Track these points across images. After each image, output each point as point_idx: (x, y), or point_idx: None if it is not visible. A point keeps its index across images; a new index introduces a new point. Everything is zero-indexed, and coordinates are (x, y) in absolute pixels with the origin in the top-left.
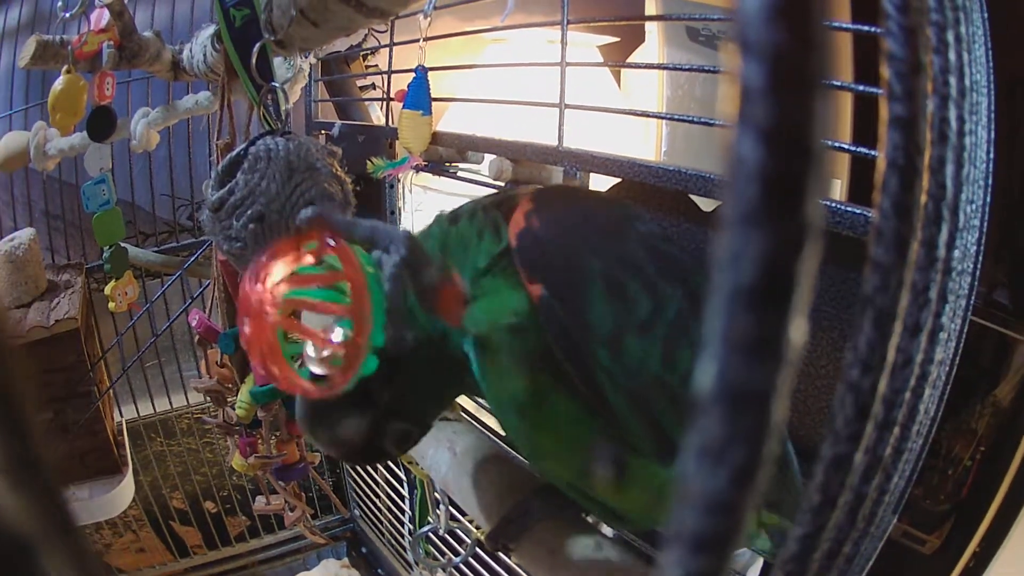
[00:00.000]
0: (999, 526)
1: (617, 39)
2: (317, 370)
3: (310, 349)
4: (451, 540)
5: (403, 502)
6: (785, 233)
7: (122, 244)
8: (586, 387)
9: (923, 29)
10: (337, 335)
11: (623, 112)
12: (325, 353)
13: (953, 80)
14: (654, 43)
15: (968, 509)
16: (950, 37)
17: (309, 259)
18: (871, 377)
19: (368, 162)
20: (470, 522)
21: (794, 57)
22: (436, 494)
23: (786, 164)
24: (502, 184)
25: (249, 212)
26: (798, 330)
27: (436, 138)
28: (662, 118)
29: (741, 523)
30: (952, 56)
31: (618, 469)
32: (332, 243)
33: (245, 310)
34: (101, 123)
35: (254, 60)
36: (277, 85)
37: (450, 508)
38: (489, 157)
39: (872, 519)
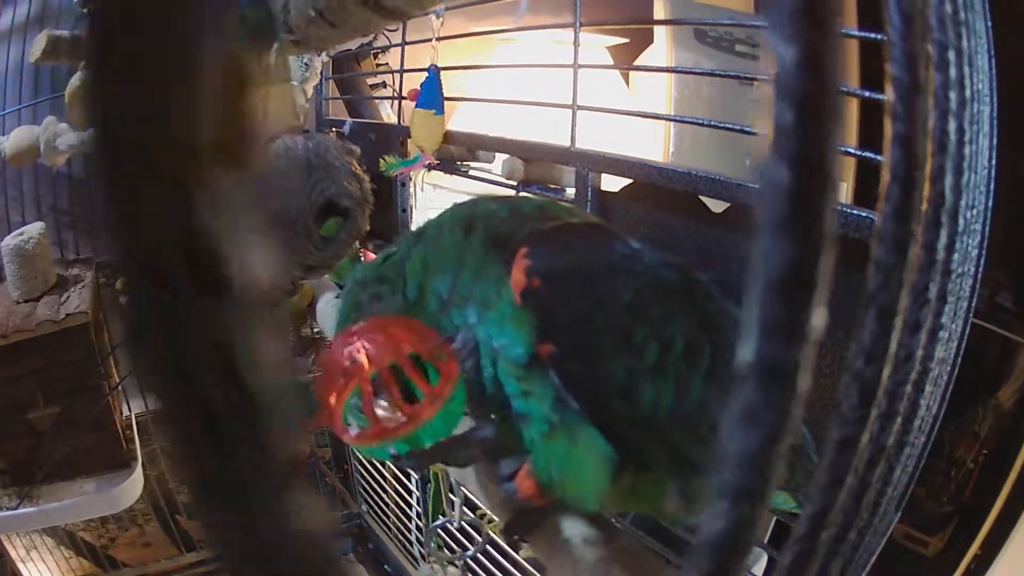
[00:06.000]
0: (1001, 529)
1: (626, 40)
2: (366, 413)
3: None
4: (459, 535)
5: (411, 497)
6: (808, 240)
7: None
8: (604, 429)
9: (925, 50)
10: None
11: (636, 114)
12: (385, 413)
13: (953, 95)
14: (662, 44)
15: (970, 511)
16: (951, 56)
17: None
18: (874, 367)
19: (381, 160)
20: (480, 517)
21: (817, 103)
22: (451, 489)
23: (809, 187)
24: (514, 183)
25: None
26: (818, 317)
27: (448, 137)
28: (674, 120)
29: (772, 478)
30: (953, 72)
31: (688, 499)
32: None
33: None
34: None
35: (272, 59)
36: (296, 84)
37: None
38: (501, 156)
39: (876, 509)
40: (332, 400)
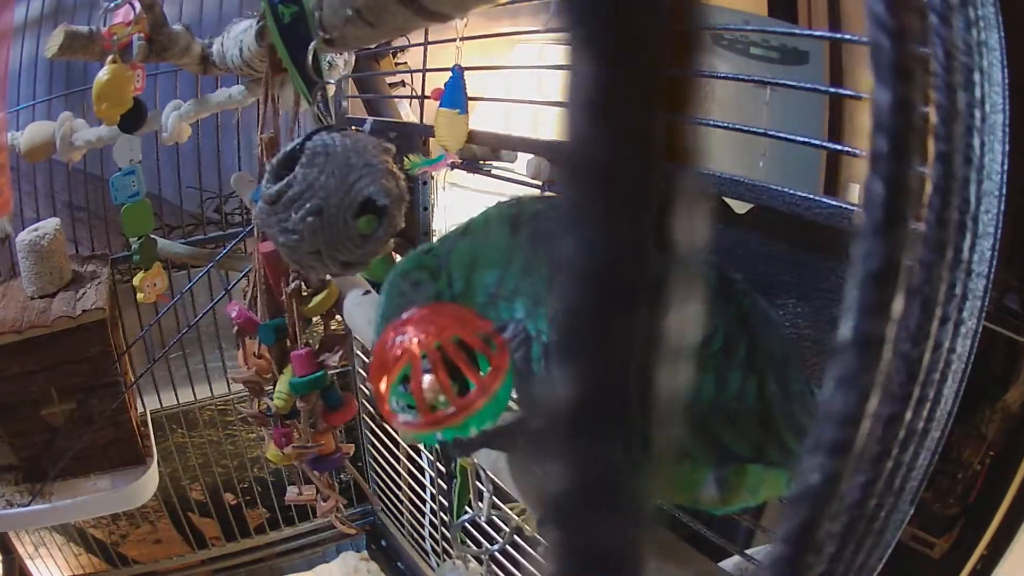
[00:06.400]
0: (1006, 530)
1: None
2: (416, 401)
3: (428, 383)
4: (475, 532)
5: (424, 493)
6: (896, 240)
7: (151, 235)
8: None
9: (962, 80)
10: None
11: None
12: (436, 397)
13: (977, 112)
14: None
15: (976, 513)
16: (976, 77)
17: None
18: (918, 350)
19: (404, 158)
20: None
21: (905, 136)
22: (479, 482)
23: (898, 200)
24: (539, 183)
25: (308, 206)
26: (898, 302)
27: (472, 136)
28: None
29: (858, 435)
30: (977, 92)
31: (723, 488)
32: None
33: (388, 340)
34: (132, 115)
35: (309, 59)
36: (333, 82)
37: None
38: (524, 156)
39: (901, 494)
40: (382, 386)
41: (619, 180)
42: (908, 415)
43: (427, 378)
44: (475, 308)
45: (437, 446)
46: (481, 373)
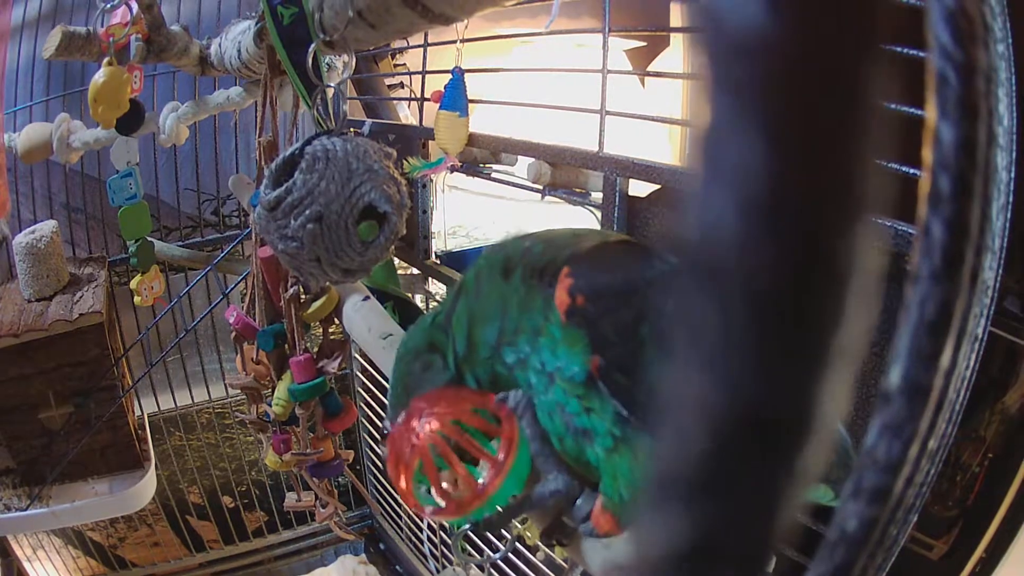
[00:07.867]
0: (1005, 532)
1: (643, 43)
2: (436, 493)
3: (444, 476)
4: (475, 537)
5: None
6: (954, 286)
7: (148, 238)
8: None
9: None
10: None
11: (664, 121)
12: (455, 486)
13: (1000, 129)
14: (679, 47)
15: (975, 515)
16: (1002, 94)
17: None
18: (947, 381)
19: (404, 161)
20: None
21: (969, 176)
22: None
23: (957, 243)
24: (540, 187)
25: (307, 212)
26: (948, 350)
27: (472, 139)
28: None
29: (900, 481)
30: (1001, 109)
31: None
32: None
33: (402, 432)
34: (129, 117)
35: (309, 61)
36: (333, 85)
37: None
38: (524, 159)
39: (912, 510)
40: (403, 483)
41: (801, 309)
42: (932, 443)
43: (442, 471)
44: (480, 364)
45: (469, 527)
46: (493, 451)
